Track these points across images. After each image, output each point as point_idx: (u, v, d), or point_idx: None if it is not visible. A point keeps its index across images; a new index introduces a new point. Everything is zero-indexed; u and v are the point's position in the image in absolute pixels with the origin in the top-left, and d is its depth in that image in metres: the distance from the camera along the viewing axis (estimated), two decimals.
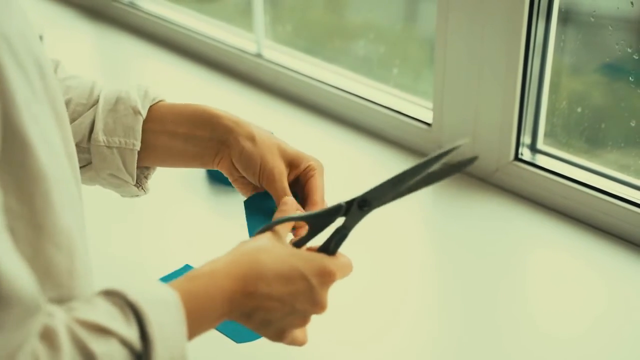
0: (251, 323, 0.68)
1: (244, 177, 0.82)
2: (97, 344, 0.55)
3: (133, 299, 0.58)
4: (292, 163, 0.81)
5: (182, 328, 0.60)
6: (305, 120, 1.48)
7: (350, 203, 0.73)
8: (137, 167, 0.83)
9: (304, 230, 0.74)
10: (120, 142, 0.79)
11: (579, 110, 1.19)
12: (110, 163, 0.80)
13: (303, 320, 0.70)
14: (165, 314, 0.59)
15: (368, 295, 1.01)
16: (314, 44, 1.77)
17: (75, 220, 0.59)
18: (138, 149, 0.80)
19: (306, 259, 0.69)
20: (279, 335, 0.70)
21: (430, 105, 1.33)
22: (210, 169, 0.85)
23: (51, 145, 0.57)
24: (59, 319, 0.55)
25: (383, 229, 1.15)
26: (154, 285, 0.62)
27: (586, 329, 0.96)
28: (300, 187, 0.82)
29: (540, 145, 1.21)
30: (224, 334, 0.94)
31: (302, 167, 0.81)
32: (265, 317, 0.67)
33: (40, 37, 1.85)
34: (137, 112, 0.80)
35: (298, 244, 0.73)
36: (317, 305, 0.69)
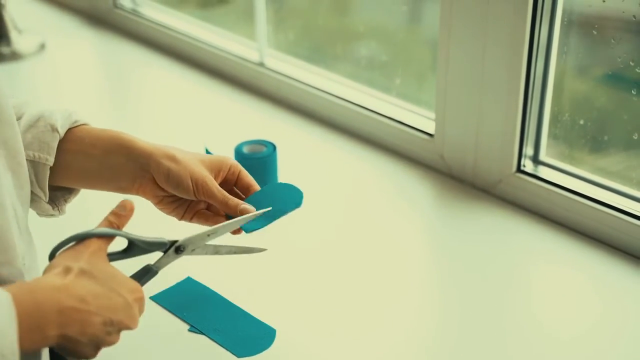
0: (74, 344, 0.70)
1: (168, 196, 0.87)
2: None
3: None
4: (214, 168, 0.87)
5: (12, 325, 0.63)
6: (307, 130, 1.48)
7: (172, 244, 0.83)
8: (58, 189, 0.87)
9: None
10: (34, 155, 0.82)
11: (582, 122, 1.19)
12: None
13: (117, 337, 0.74)
14: (2, 317, 0.63)
15: (368, 307, 1.01)
16: (317, 51, 1.77)
17: None
18: (50, 164, 0.82)
19: (121, 280, 0.74)
20: (95, 350, 0.73)
21: (432, 115, 1.32)
22: (130, 194, 0.87)
23: None
24: None
25: (384, 241, 1.15)
26: None
27: (587, 341, 0.95)
28: (230, 184, 0.89)
29: (542, 157, 1.21)
30: (225, 347, 0.94)
31: (225, 168, 0.88)
32: (90, 333, 0.70)
33: (43, 45, 1.85)
34: (54, 129, 0.83)
35: (112, 256, 0.78)
36: (132, 319, 0.74)
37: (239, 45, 1.71)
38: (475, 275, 1.07)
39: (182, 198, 0.88)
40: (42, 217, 0.90)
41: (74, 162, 0.84)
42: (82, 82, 1.75)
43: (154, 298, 1.01)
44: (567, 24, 1.12)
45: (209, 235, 0.84)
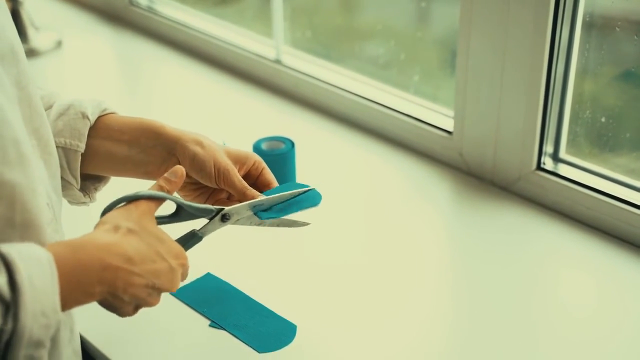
0: (118, 301, 0.71)
1: (191, 183, 0.88)
2: None
3: (5, 251, 0.62)
4: (238, 161, 0.89)
5: (54, 283, 0.64)
6: (325, 127, 1.48)
7: (218, 211, 0.83)
8: (88, 178, 0.88)
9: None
10: (65, 142, 0.83)
11: (603, 119, 1.18)
12: None
13: (157, 299, 0.75)
14: (37, 267, 0.63)
15: (387, 304, 1.01)
16: (332, 49, 1.77)
17: (25, 178, 0.66)
18: (82, 150, 0.84)
19: (167, 244, 0.75)
20: (134, 311, 0.75)
21: (451, 113, 1.32)
22: (156, 179, 0.87)
23: None
24: None
25: (402, 239, 1.15)
26: (28, 244, 0.66)
27: (609, 342, 0.95)
28: (252, 178, 0.91)
29: (562, 154, 1.20)
30: (246, 343, 0.93)
31: (250, 162, 0.90)
32: (131, 293, 0.71)
33: (60, 42, 1.85)
34: (85, 117, 0.85)
35: (160, 220, 0.79)
36: (173, 283, 0.75)
37: (256, 42, 1.71)
38: (494, 273, 1.07)
39: (204, 186, 0.90)
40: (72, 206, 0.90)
41: (103, 148, 0.86)
42: (99, 79, 1.75)
43: (173, 293, 1.01)
44: (589, 22, 1.12)
45: (254, 207, 0.86)
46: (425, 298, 1.03)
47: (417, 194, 1.27)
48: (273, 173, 0.93)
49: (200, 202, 0.91)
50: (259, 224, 0.87)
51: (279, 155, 1.22)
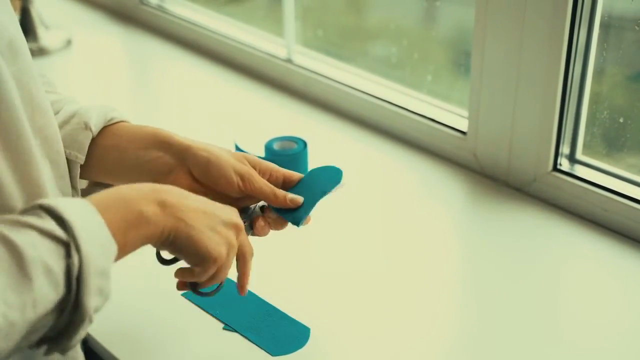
0: (183, 225, 0.71)
1: (204, 192, 0.84)
2: (15, 235, 0.59)
3: (43, 201, 0.63)
4: (256, 167, 0.87)
5: (97, 217, 0.64)
6: (337, 127, 1.47)
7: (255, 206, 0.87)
8: (85, 192, 0.87)
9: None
10: (65, 152, 0.81)
11: (621, 120, 1.16)
12: None
13: (226, 230, 0.75)
14: (77, 206, 0.63)
15: (401, 306, 0.99)
16: (343, 48, 1.76)
17: (5, 165, 0.66)
18: (81, 162, 0.82)
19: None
20: (215, 247, 0.73)
21: (465, 113, 1.31)
22: None
23: None
24: None
25: (415, 240, 1.14)
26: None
27: (630, 347, 0.93)
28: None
29: (579, 155, 1.18)
30: (259, 346, 0.92)
31: (267, 172, 0.88)
32: (188, 214, 0.71)
33: (70, 41, 1.85)
34: (88, 127, 0.82)
35: None
36: (233, 217, 0.76)
37: (267, 41, 1.70)
38: (508, 276, 1.05)
39: (217, 197, 0.86)
40: None
41: (108, 156, 0.84)
42: (109, 78, 1.75)
43: (186, 295, 1.00)
44: (608, 21, 1.10)
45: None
46: (438, 301, 1.01)
47: (430, 195, 1.26)
48: None
49: None
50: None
51: (292, 156, 1.21)
